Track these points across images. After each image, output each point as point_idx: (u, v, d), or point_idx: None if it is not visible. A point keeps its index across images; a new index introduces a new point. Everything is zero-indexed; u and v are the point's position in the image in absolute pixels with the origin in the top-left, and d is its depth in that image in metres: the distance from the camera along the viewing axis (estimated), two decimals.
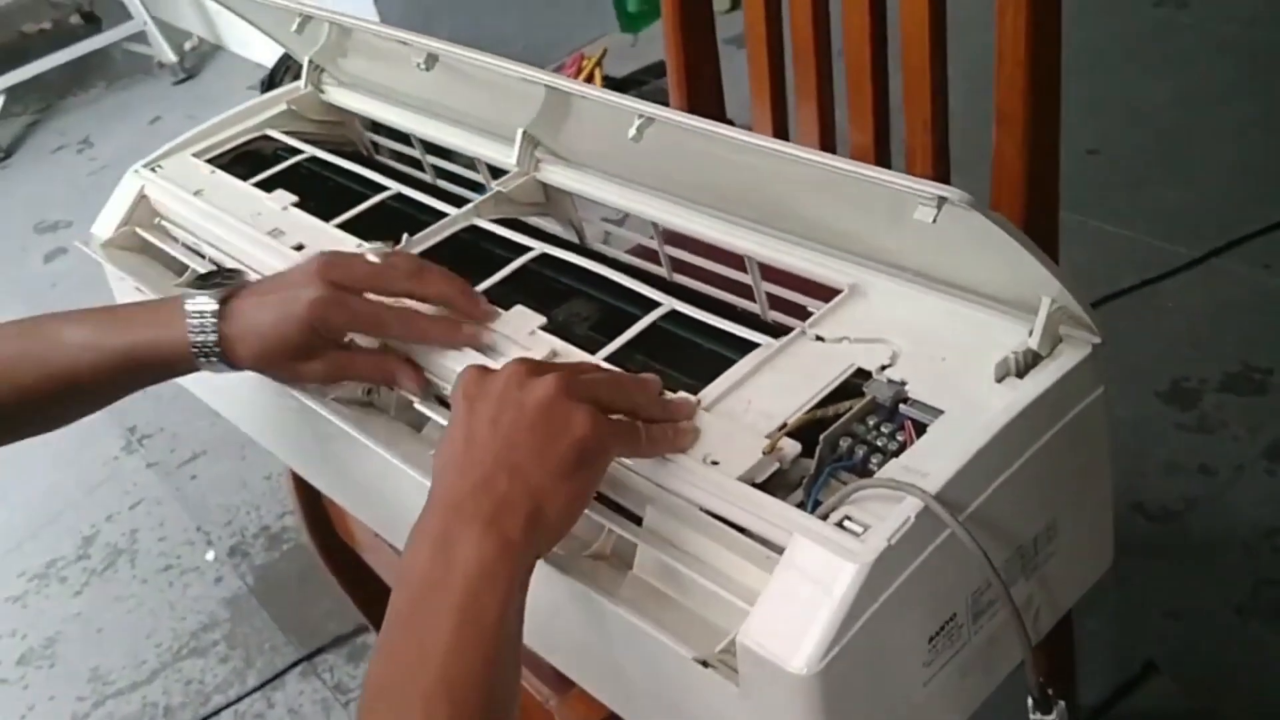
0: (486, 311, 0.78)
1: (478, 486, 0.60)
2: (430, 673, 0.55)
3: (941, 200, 0.53)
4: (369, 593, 1.22)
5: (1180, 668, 1.26)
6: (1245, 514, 1.40)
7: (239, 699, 1.54)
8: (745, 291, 0.83)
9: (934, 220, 0.55)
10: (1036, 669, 0.62)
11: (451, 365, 0.76)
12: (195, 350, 0.75)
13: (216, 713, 1.53)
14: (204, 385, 1.01)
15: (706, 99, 1.16)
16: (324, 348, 0.76)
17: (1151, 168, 2.02)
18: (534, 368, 0.64)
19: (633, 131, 0.68)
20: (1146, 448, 1.50)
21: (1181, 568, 1.36)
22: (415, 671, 0.55)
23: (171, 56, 3.43)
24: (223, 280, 0.78)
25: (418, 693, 0.54)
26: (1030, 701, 0.65)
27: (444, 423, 0.77)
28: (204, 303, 0.76)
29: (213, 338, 0.75)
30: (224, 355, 0.76)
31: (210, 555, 1.78)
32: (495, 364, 0.74)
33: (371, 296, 0.76)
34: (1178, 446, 1.50)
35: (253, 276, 0.90)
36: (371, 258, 0.77)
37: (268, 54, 3.01)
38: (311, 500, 1.14)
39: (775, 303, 0.83)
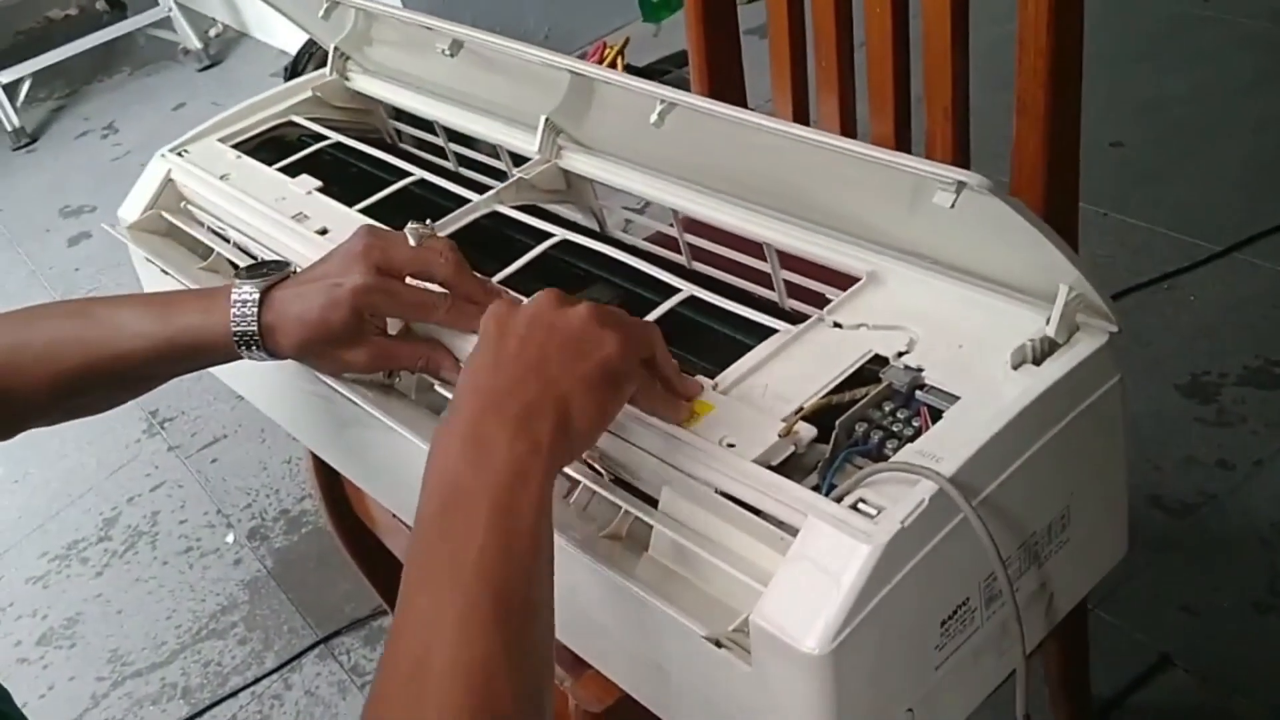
0: None
1: (508, 391, 0.60)
2: (467, 570, 0.54)
3: (960, 185, 0.54)
4: (387, 575, 1.23)
5: (1195, 661, 1.26)
6: (1263, 509, 1.40)
7: (257, 680, 1.56)
8: (764, 280, 0.83)
9: (953, 205, 0.55)
10: (1050, 657, 0.62)
11: (459, 341, 0.76)
12: (236, 339, 0.76)
13: (234, 694, 1.55)
14: (226, 368, 1.02)
15: (728, 88, 1.16)
16: (367, 335, 0.76)
17: (1173, 161, 2.01)
18: (565, 297, 0.65)
19: (654, 117, 0.69)
20: (1165, 441, 1.50)
21: (1198, 562, 1.36)
22: (453, 569, 0.54)
23: (196, 43, 3.45)
24: (270, 271, 0.78)
25: (458, 588, 0.54)
26: None
27: None
28: (247, 291, 0.76)
29: (253, 327, 0.76)
30: (265, 344, 0.76)
31: (230, 538, 1.79)
32: None
33: (413, 282, 0.76)
34: (1196, 440, 1.50)
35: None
36: (410, 240, 0.77)
37: (292, 41, 3.03)
38: (331, 483, 1.15)
39: (793, 291, 0.83)
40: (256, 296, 0.76)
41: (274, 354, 0.77)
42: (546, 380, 0.60)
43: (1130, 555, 0.75)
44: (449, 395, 0.78)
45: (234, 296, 0.76)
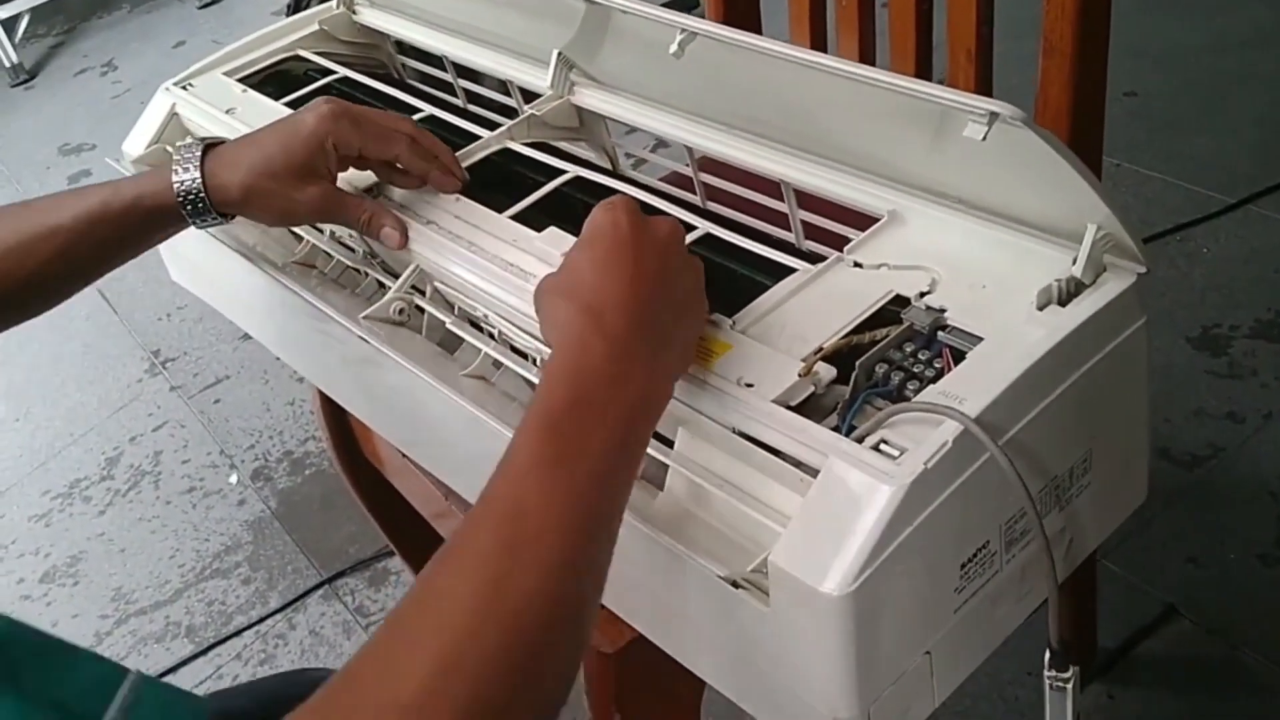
0: (465, 174, 0.82)
1: (653, 314, 0.60)
2: (581, 474, 0.53)
3: (993, 116, 0.52)
4: (394, 516, 1.22)
5: (1201, 613, 1.26)
6: (1272, 462, 1.39)
7: (260, 620, 1.56)
8: (780, 221, 0.82)
9: (984, 138, 0.53)
10: (1061, 613, 0.62)
11: (471, 278, 0.75)
12: (180, 194, 0.75)
13: (238, 633, 1.55)
14: (233, 303, 1.01)
15: (745, 28, 1.14)
16: (320, 175, 0.76)
17: (1189, 112, 1.99)
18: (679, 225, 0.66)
19: (674, 47, 0.67)
20: (1175, 393, 1.49)
21: (1205, 514, 1.36)
22: (569, 466, 0.53)
23: None
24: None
25: (571, 483, 0.53)
26: (1048, 655, 0.64)
27: (476, 344, 0.77)
28: (191, 146, 0.76)
29: (195, 175, 0.75)
30: (210, 196, 0.75)
31: (233, 478, 1.79)
32: (530, 290, 0.74)
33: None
34: (1206, 393, 1.49)
35: None
36: None
37: None
38: (338, 422, 1.14)
39: (811, 232, 0.82)
40: (200, 150, 0.76)
41: (219, 206, 0.76)
42: (679, 315, 0.62)
43: (1138, 507, 0.74)
44: (460, 333, 0.77)
45: (176, 156, 0.76)
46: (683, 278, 0.64)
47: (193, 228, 0.78)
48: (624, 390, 0.57)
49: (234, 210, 0.77)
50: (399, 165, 0.80)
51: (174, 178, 0.75)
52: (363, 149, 0.77)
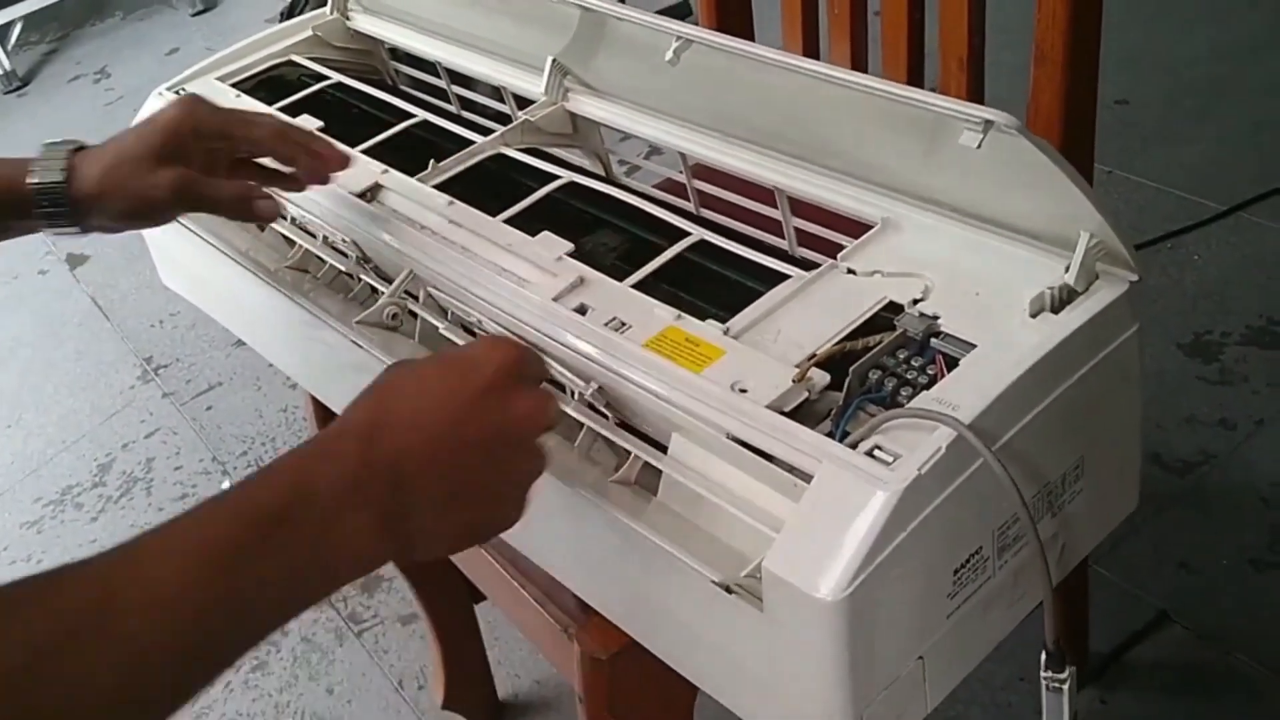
0: (345, 156, 0.80)
1: (424, 487, 0.53)
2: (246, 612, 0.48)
3: (988, 124, 0.52)
4: None
5: (1194, 619, 1.26)
6: (1264, 468, 1.40)
7: None
8: (774, 228, 0.82)
9: (979, 145, 0.54)
10: (1055, 616, 0.62)
11: (464, 282, 0.75)
12: (37, 190, 0.73)
13: None
14: (226, 308, 1.01)
15: (737, 35, 1.14)
16: (182, 161, 0.74)
17: (1180, 120, 1.99)
18: (541, 408, 0.57)
19: (669, 54, 0.67)
20: (1166, 400, 1.49)
21: (1198, 520, 1.36)
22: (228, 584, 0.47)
23: None
24: None
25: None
26: (1044, 655, 0.65)
27: None
28: (58, 144, 0.75)
29: (59, 172, 0.73)
30: (69, 188, 0.73)
31: (226, 485, 1.78)
32: (524, 294, 0.74)
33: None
34: (1198, 399, 1.49)
35: None
36: None
37: None
38: None
39: (805, 239, 0.82)
40: (70, 148, 0.75)
41: (76, 201, 0.73)
42: (476, 503, 0.55)
43: (1131, 513, 0.74)
44: (454, 338, 0.77)
45: (41, 153, 0.75)
46: (507, 468, 0.55)
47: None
48: (339, 530, 0.50)
49: (91, 204, 0.74)
50: (268, 158, 0.77)
51: (31, 174, 0.73)
52: (224, 129, 0.75)
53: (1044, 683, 0.65)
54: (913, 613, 0.59)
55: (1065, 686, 0.64)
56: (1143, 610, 1.28)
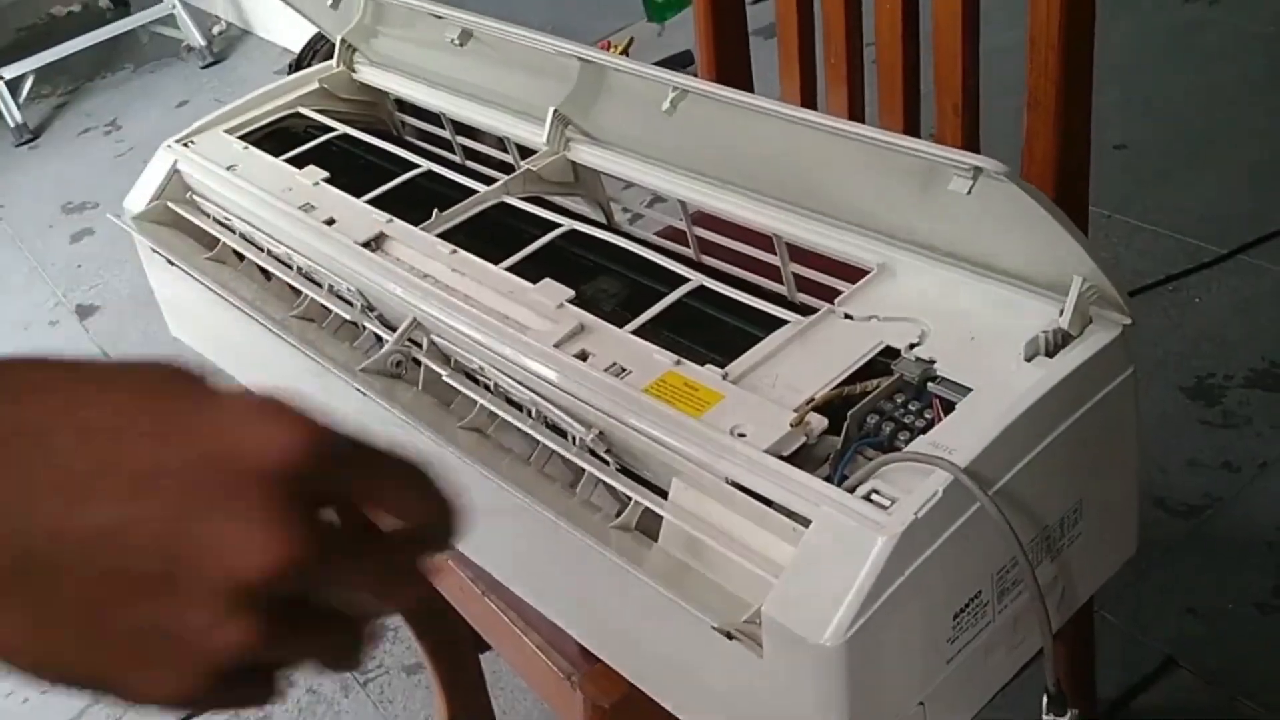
0: None
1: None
2: None
3: (977, 171, 0.53)
4: None
5: (1201, 664, 1.25)
6: (1268, 511, 1.39)
7: None
8: (773, 274, 0.83)
9: (969, 191, 0.55)
10: (1056, 659, 0.62)
11: (467, 330, 0.76)
12: None
13: None
14: (231, 356, 1.02)
15: (736, 85, 1.16)
16: None
17: (1179, 163, 2.01)
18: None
19: (666, 104, 0.68)
20: (1170, 443, 1.49)
21: (1203, 564, 1.36)
22: None
23: (199, 40, 3.44)
24: None
25: None
26: (1045, 699, 0.65)
27: (472, 396, 0.78)
28: None
29: None
30: None
31: None
32: (525, 341, 0.74)
33: None
34: (1201, 442, 1.49)
35: (279, 249, 0.91)
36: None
37: (294, 39, 3.02)
38: None
39: (803, 285, 0.83)
40: None
41: None
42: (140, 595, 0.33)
43: (1135, 557, 0.74)
44: (458, 385, 0.77)
45: None
46: (160, 607, 0.33)
47: None
48: None
49: None
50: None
51: None
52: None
53: None
54: (913, 657, 0.60)
55: None
56: (1149, 655, 1.27)
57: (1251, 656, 1.25)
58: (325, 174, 0.98)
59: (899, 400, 0.65)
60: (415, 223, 0.88)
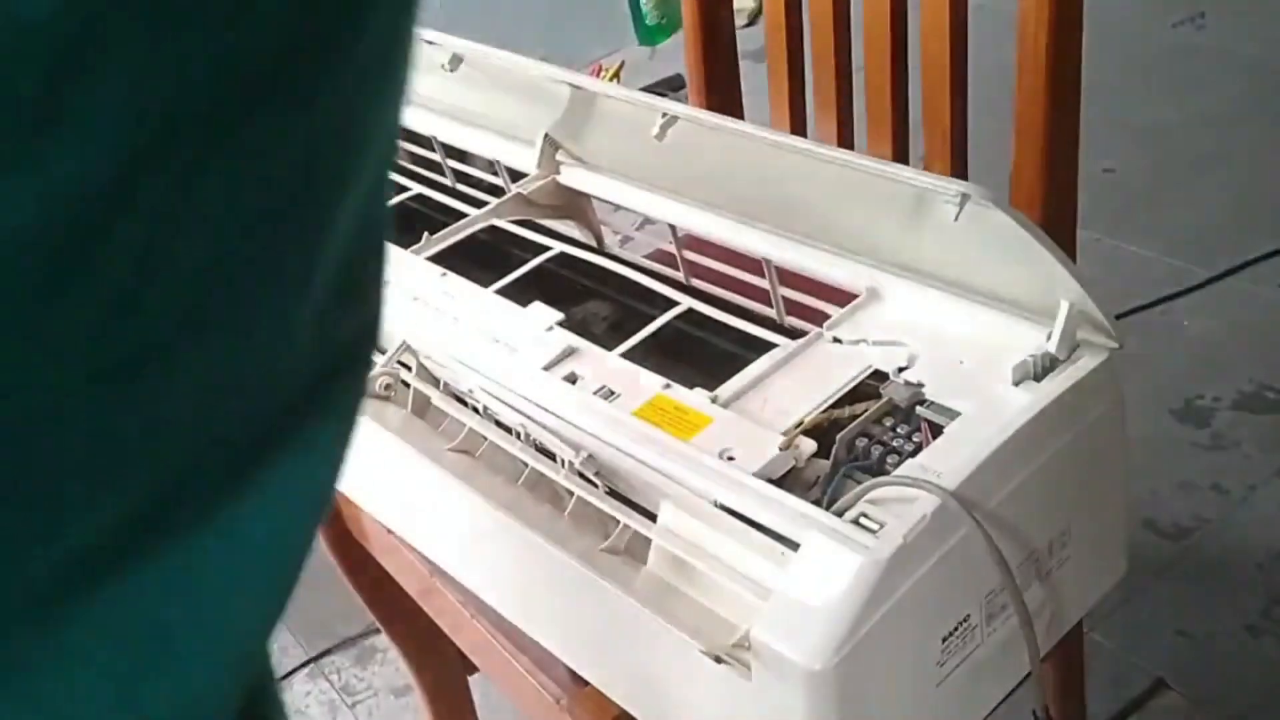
0: None
1: None
2: None
3: (964, 197, 0.54)
4: (380, 594, 1.22)
5: (1190, 685, 1.25)
6: (1258, 533, 1.40)
7: None
8: (762, 297, 0.83)
9: (956, 218, 0.55)
10: (1043, 682, 0.62)
11: (457, 352, 0.76)
12: None
13: None
14: None
15: (727, 110, 1.16)
16: None
17: (1167, 186, 2.02)
18: None
19: (656, 130, 0.69)
20: (1159, 466, 1.50)
21: (1193, 586, 1.36)
22: None
23: None
24: None
25: None
26: None
27: (461, 418, 0.78)
28: None
29: None
30: None
31: None
32: (515, 364, 0.74)
33: None
34: (1191, 465, 1.50)
35: None
36: None
37: None
38: None
39: (792, 308, 0.83)
40: None
41: None
42: None
43: (1125, 579, 0.75)
44: (446, 408, 0.77)
45: None
46: None
47: None
48: None
49: None
50: None
51: None
52: None
53: None
54: (902, 681, 0.60)
55: None
56: (1140, 677, 1.27)
57: (1241, 678, 1.25)
58: None
59: (887, 424, 0.65)
60: (405, 246, 0.88)
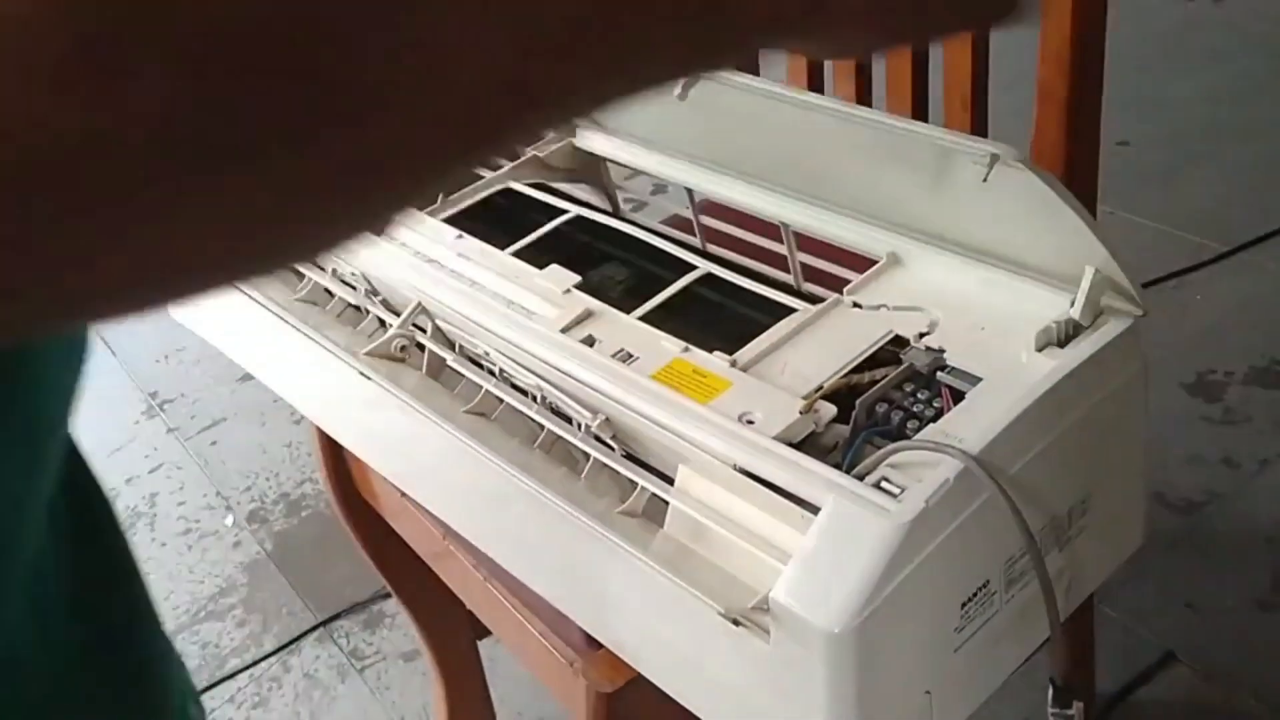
0: None
1: None
2: None
3: (994, 158, 0.53)
4: (391, 557, 1.22)
5: (1199, 658, 1.25)
6: (1268, 508, 1.40)
7: (255, 662, 1.55)
8: (780, 263, 0.82)
9: (985, 179, 0.54)
10: (1061, 650, 0.62)
11: (473, 314, 0.76)
12: None
13: (233, 675, 1.54)
14: (234, 341, 1.02)
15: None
16: None
17: (1181, 161, 2.01)
18: None
19: (677, 89, 0.68)
20: (1170, 439, 1.49)
21: (1202, 560, 1.36)
22: None
23: None
24: None
25: None
26: (1050, 691, 0.64)
27: (477, 381, 0.77)
28: None
29: None
30: None
31: (229, 520, 1.78)
32: (531, 326, 0.74)
33: None
34: (1201, 439, 1.49)
35: None
36: None
37: None
38: (336, 459, 1.14)
39: (810, 274, 0.82)
40: None
41: None
42: None
43: (1135, 552, 0.74)
44: (461, 370, 0.77)
45: None
46: None
47: None
48: None
49: None
50: None
51: None
52: None
53: (1051, 718, 0.65)
54: (920, 646, 0.59)
55: None
56: (1148, 650, 1.27)
57: (1250, 652, 1.25)
58: None
59: (908, 389, 0.65)
60: (420, 207, 0.88)
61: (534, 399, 0.75)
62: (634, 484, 0.67)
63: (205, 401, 2.04)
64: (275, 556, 1.70)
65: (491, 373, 0.78)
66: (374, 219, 0.25)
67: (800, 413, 0.63)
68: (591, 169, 0.95)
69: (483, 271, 0.79)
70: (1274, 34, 2.28)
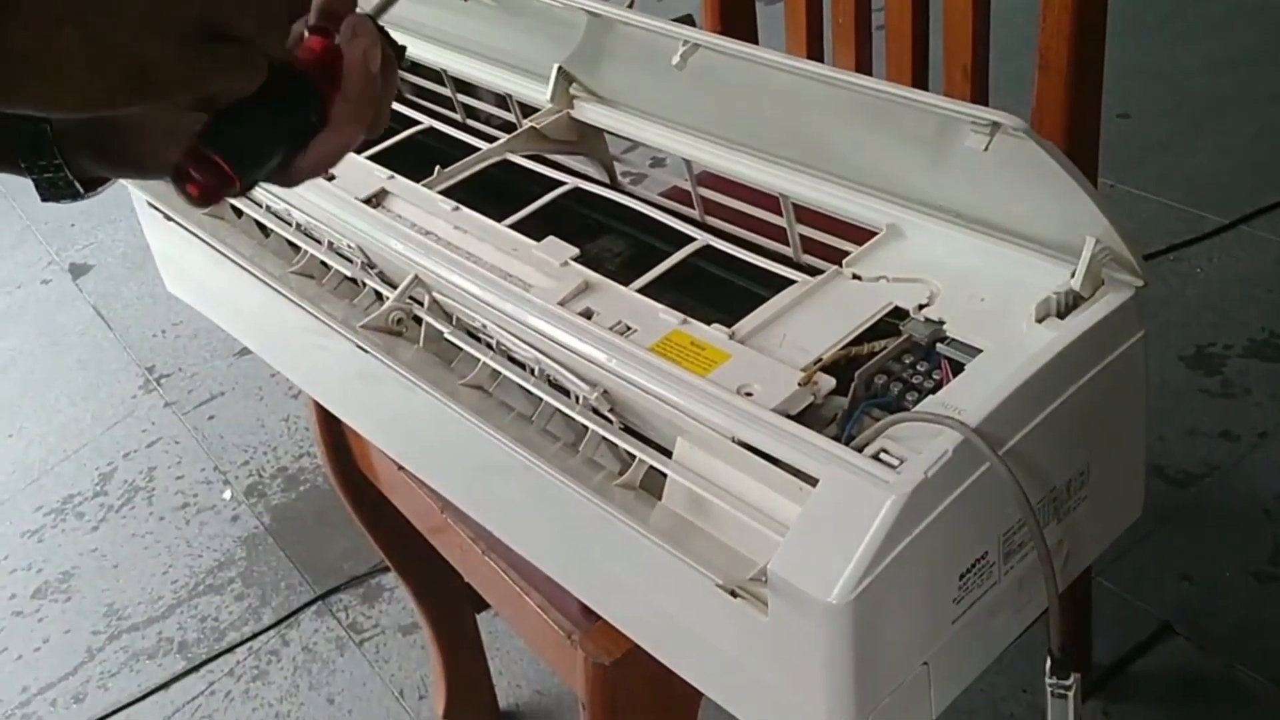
0: None
1: None
2: None
3: (995, 126, 0.52)
4: (389, 531, 1.22)
5: (1196, 630, 1.26)
6: (1266, 480, 1.40)
7: (254, 636, 1.55)
8: (779, 235, 0.82)
9: (986, 148, 0.54)
10: (1059, 621, 0.62)
11: (470, 287, 0.75)
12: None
13: (231, 649, 1.54)
14: (230, 315, 1.01)
15: None
16: None
17: (1182, 133, 2.00)
18: None
19: (677, 59, 0.67)
20: (1169, 412, 1.49)
21: (1200, 532, 1.36)
22: None
23: None
24: None
25: None
26: (1048, 662, 0.64)
27: (474, 354, 0.77)
28: None
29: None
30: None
31: (227, 494, 1.78)
32: (529, 299, 0.74)
33: None
34: (1200, 411, 1.49)
35: (278, 205, 0.90)
36: None
37: None
38: (334, 433, 1.14)
39: (809, 246, 0.82)
40: None
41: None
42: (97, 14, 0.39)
43: (1133, 524, 0.74)
44: (459, 343, 0.77)
45: None
46: None
47: None
48: None
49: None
50: None
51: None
52: None
53: (1049, 689, 0.65)
54: (918, 617, 0.59)
55: (1070, 693, 0.64)
56: (1145, 622, 1.27)
57: (1248, 623, 1.25)
58: None
59: (907, 361, 0.65)
60: (417, 180, 0.87)
61: (532, 372, 0.74)
62: (632, 456, 0.67)
63: (203, 376, 2.03)
64: (273, 530, 1.70)
65: (489, 345, 0.78)
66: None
67: (799, 385, 0.63)
68: (589, 141, 0.94)
69: (480, 244, 0.79)
70: (1275, 5, 2.27)
